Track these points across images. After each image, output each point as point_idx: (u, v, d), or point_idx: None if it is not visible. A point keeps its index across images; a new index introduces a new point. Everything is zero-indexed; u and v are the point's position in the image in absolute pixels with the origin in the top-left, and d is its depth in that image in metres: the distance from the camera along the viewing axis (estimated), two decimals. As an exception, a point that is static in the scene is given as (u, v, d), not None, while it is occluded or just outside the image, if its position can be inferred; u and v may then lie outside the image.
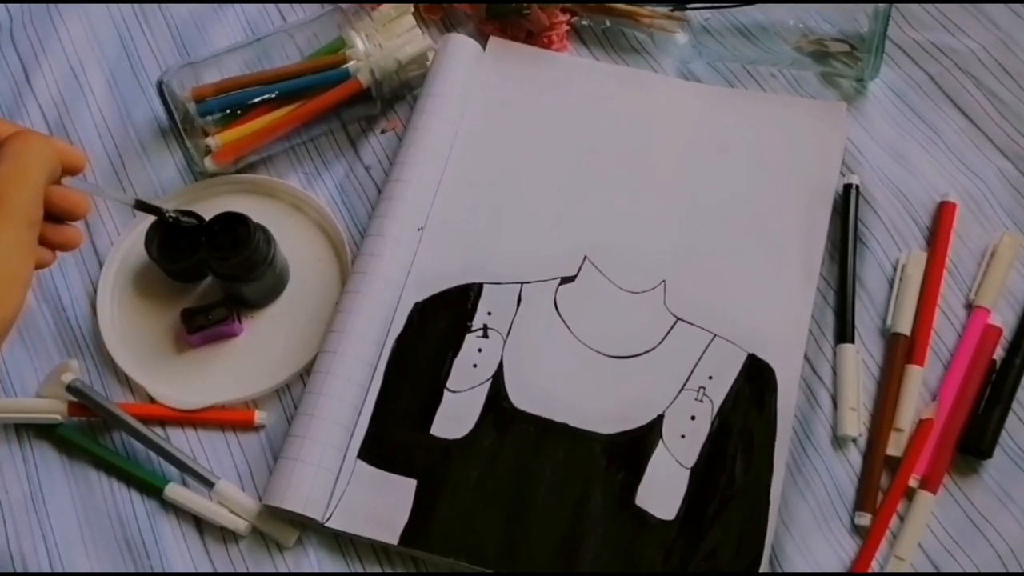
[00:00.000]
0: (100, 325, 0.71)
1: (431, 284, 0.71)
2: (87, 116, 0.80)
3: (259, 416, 0.69)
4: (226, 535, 0.66)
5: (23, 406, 0.69)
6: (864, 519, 0.63)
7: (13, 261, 0.50)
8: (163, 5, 0.85)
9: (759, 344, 0.68)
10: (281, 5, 0.84)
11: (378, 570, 0.64)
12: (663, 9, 0.78)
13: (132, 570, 0.65)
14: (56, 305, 0.73)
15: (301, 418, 0.66)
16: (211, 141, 0.74)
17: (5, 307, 0.49)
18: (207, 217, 0.69)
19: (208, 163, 0.75)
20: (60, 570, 0.65)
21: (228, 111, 0.75)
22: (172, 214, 0.67)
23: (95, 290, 0.73)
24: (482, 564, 0.63)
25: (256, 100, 0.75)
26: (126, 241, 0.74)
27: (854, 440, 0.66)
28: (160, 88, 0.73)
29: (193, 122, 0.74)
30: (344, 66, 0.75)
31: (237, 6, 0.84)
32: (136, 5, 0.85)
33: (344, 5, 0.77)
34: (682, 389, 0.67)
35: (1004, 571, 0.62)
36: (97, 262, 0.74)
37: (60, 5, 0.85)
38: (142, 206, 0.64)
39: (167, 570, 0.65)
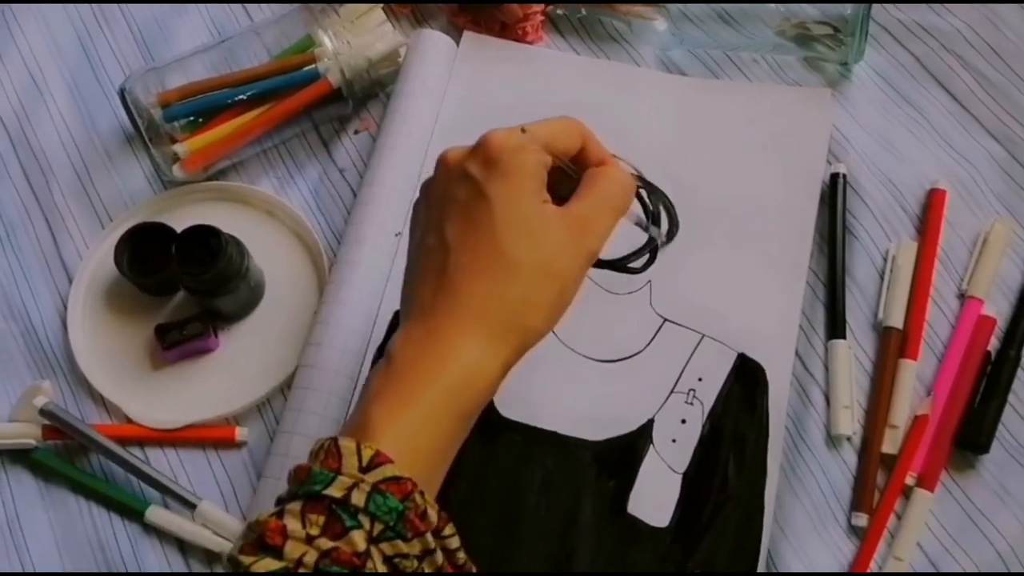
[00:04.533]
0: (72, 344, 0.70)
1: (411, 291, 0.69)
2: (49, 125, 0.78)
3: (240, 433, 0.67)
4: (211, 556, 0.64)
5: (-5, 432, 0.67)
6: (861, 519, 0.63)
7: (573, 291, 0.54)
8: (123, 5, 0.82)
9: (749, 343, 0.66)
10: (247, 4, 0.81)
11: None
12: (641, -4, 0.76)
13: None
14: (25, 324, 0.71)
15: (283, 436, 0.64)
16: (179, 148, 0.72)
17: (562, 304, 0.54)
18: (179, 229, 0.68)
19: (177, 171, 0.72)
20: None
21: (195, 116, 0.73)
22: None
23: (65, 307, 0.71)
24: (473, 579, 0.62)
25: (224, 104, 0.73)
26: (95, 255, 0.72)
27: (848, 438, 0.65)
28: (122, 95, 0.71)
29: (159, 129, 0.72)
30: (313, 66, 0.73)
31: (201, 5, 0.81)
32: (95, 7, 0.82)
33: (310, 3, 0.75)
34: (671, 392, 0.66)
35: (1004, 569, 0.61)
36: (66, 277, 0.72)
37: (14, 7, 0.82)
38: None
39: (151, 597, 0.63)
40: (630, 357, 0.67)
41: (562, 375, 0.66)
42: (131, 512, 0.65)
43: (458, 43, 0.77)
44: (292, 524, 0.46)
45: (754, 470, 0.63)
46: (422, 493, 0.48)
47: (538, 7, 0.77)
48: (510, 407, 0.65)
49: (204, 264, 0.66)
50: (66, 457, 0.67)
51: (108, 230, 0.73)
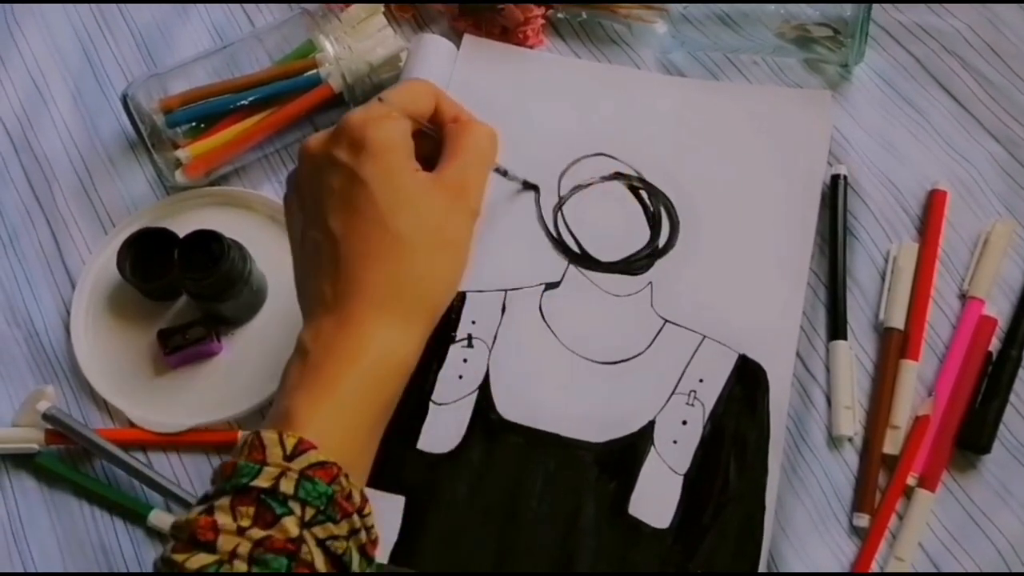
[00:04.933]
0: (75, 349, 0.70)
1: (412, 294, 0.69)
2: (52, 130, 0.78)
3: (242, 437, 0.67)
4: (213, 560, 0.64)
5: (-2, 436, 0.67)
6: (862, 520, 0.62)
7: (466, 252, 0.56)
8: (125, 11, 0.82)
9: (750, 344, 0.66)
10: (248, 9, 0.81)
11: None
12: (640, -1, 0.77)
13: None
14: (29, 329, 0.71)
15: (284, 439, 0.64)
16: (181, 154, 0.72)
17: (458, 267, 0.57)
18: (181, 234, 0.68)
19: (179, 176, 0.73)
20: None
21: (197, 122, 0.73)
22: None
23: (68, 312, 0.71)
24: (475, 581, 0.62)
25: (226, 109, 0.73)
26: (98, 260, 0.73)
27: (850, 439, 0.65)
28: (125, 101, 0.71)
29: (161, 135, 0.73)
30: (315, 71, 0.73)
31: (203, 9, 0.82)
32: (97, 12, 0.82)
33: (311, 7, 0.75)
34: (672, 393, 0.65)
35: (1006, 569, 0.61)
36: (69, 283, 0.72)
37: (17, 14, 0.82)
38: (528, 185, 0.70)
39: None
40: (631, 359, 0.67)
41: (563, 377, 0.66)
42: (134, 516, 0.66)
43: (459, 47, 0.78)
44: (222, 518, 0.47)
45: (755, 471, 0.63)
46: (347, 476, 0.49)
47: (539, 11, 0.77)
48: (511, 409, 0.65)
49: (206, 269, 0.66)
50: (69, 461, 0.67)
51: (111, 235, 0.73)
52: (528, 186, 0.70)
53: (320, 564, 0.47)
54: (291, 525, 0.46)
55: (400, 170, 0.54)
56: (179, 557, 0.46)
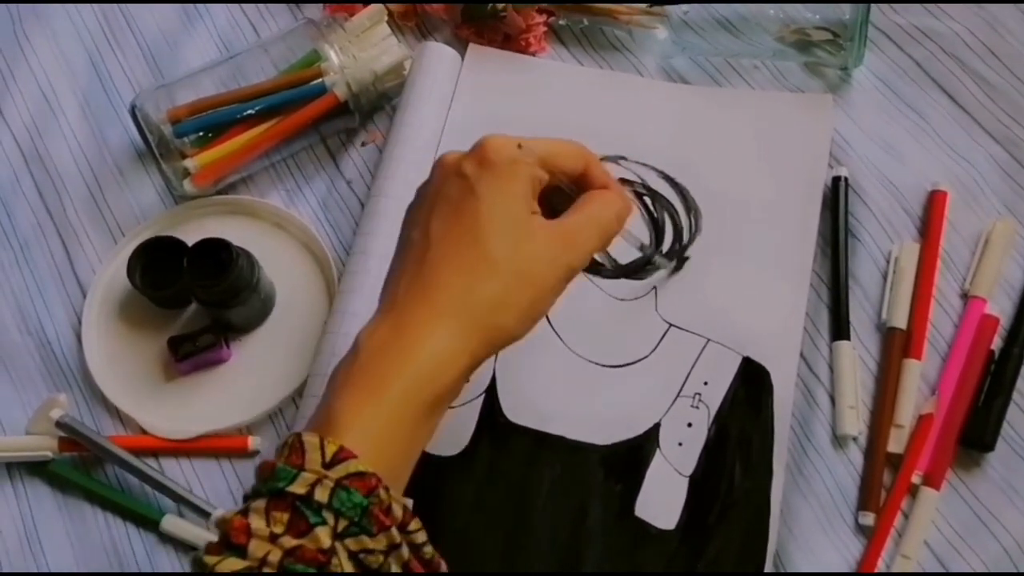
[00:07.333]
0: (86, 357, 0.71)
1: (419, 300, 0.70)
2: (62, 142, 0.79)
3: (253, 442, 0.68)
4: (225, 565, 0.65)
5: (12, 444, 0.68)
6: (868, 519, 0.63)
7: (549, 301, 0.54)
8: (132, 22, 0.83)
9: (753, 346, 0.67)
10: (254, 19, 0.82)
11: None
12: (641, 5, 0.77)
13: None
14: (41, 338, 0.72)
15: (294, 444, 0.65)
16: (189, 163, 0.73)
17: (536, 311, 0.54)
18: (190, 242, 0.69)
19: (187, 186, 0.73)
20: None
21: (204, 132, 0.74)
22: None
23: (80, 321, 0.72)
24: (483, 583, 0.62)
25: (232, 119, 0.74)
26: (108, 270, 0.73)
27: (854, 439, 0.65)
28: (133, 112, 0.72)
29: (170, 145, 0.73)
30: (320, 80, 0.74)
31: (209, 20, 0.83)
32: (104, 24, 0.83)
33: (316, 18, 0.76)
34: (677, 396, 0.66)
35: (1012, 566, 0.61)
36: (80, 292, 0.73)
37: (25, 26, 0.83)
38: None
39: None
40: (636, 362, 0.67)
41: (569, 380, 0.67)
42: (147, 521, 0.66)
43: (462, 55, 0.78)
44: (256, 522, 0.46)
45: (760, 472, 0.64)
46: (387, 488, 0.48)
47: (541, 18, 0.78)
48: (518, 412, 0.66)
49: (215, 277, 0.67)
50: (82, 468, 0.68)
51: (121, 245, 0.74)
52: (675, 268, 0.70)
53: None
54: (324, 536, 0.45)
55: (515, 198, 0.53)
56: (211, 560, 0.45)
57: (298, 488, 0.46)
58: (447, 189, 0.54)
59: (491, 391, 0.67)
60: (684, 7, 0.76)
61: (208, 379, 0.70)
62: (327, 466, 0.47)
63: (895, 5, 0.78)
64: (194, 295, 0.70)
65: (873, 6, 0.73)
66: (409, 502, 0.50)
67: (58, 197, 0.77)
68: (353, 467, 0.47)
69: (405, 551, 0.48)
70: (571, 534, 0.63)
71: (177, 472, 0.68)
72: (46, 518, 0.67)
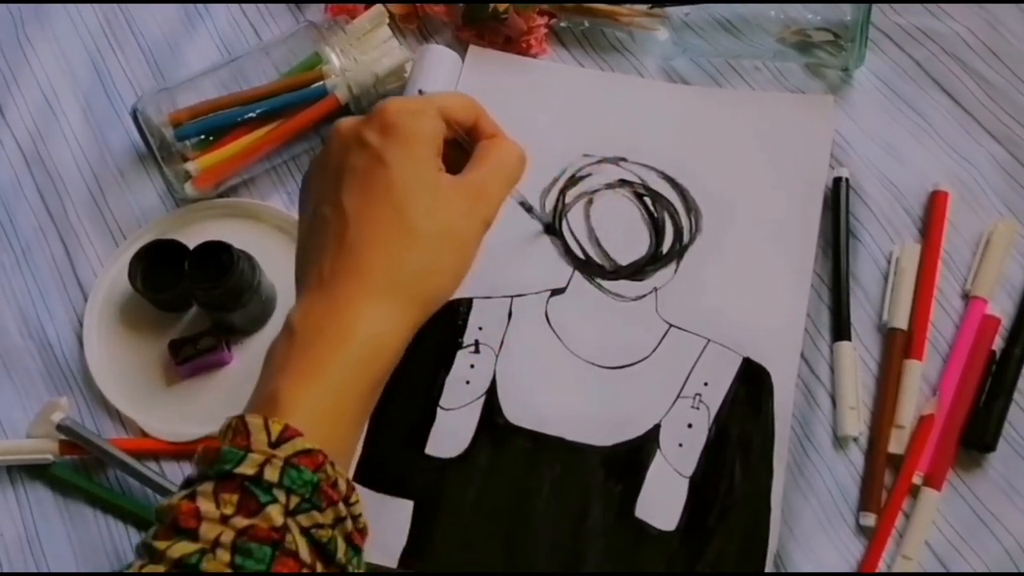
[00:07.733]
0: (88, 360, 0.71)
1: (419, 301, 0.70)
2: (63, 145, 0.79)
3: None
4: (226, 567, 0.65)
5: (13, 447, 0.68)
6: (869, 519, 0.63)
7: (472, 255, 0.55)
8: (134, 26, 0.83)
9: (754, 347, 0.67)
10: (255, 22, 0.82)
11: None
12: (642, 7, 0.77)
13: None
14: (42, 341, 0.72)
15: (294, 446, 0.65)
16: (190, 166, 0.73)
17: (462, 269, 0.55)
18: (191, 245, 0.69)
19: (189, 189, 0.74)
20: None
21: (206, 135, 0.74)
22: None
23: (81, 324, 0.72)
24: (483, 585, 0.62)
25: (234, 122, 0.74)
26: (109, 272, 0.73)
27: (855, 439, 0.65)
28: (135, 116, 0.72)
29: (171, 148, 0.73)
30: (321, 83, 0.74)
31: (210, 23, 0.83)
32: (106, 27, 0.83)
33: (317, 20, 0.76)
34: (678, 397, 0.66)
35: (1013, 567, 0.61)
36: (82, 295, 0.73)
37: (28, 30, 0.83)
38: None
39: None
40: (636, 363, 0.67)
41: (569, 381, 0.67)
42: (148, 524, 0.64)
43: (463, 57, 0.78)
44: (205, 505, 0.46)
45: (760, 473, 0.64)
46: (332, 464, 0.48)
47: (542, 20, 0.78)
48: (518, 413, 0.66)
49: (216, 279, 0.67)
50: (83, 472, 0.68)
51: (122, 248, 0.74)
52: (550, 230, 0.71)
53: (304, 553, 0.46)
54: (275, 513, 0.46)
55: (424, 160, 0.54)
56: (160, 544, 0.45)
57: (247, 469, 0.46)
58: (352, 160, 0.54)
59: (491, 393, 0.67)
60: (685, 8, 0.76)
61: (209, 382, 0.70)
62: (273, 445, 0.47)
63: (896, 5, 0.78)
64: (195, 298, 0.70)
65: (874, 7, 0.73)
66: (349, 473, 0.51)
67: (59, 200, 0.77)
68: (300, 445, 0.48)
69: (349, 523, 0.49)
70: (571, 535, 0.63)
71: (178, 475, 0.68)
72: (47, 521, 0.67)
